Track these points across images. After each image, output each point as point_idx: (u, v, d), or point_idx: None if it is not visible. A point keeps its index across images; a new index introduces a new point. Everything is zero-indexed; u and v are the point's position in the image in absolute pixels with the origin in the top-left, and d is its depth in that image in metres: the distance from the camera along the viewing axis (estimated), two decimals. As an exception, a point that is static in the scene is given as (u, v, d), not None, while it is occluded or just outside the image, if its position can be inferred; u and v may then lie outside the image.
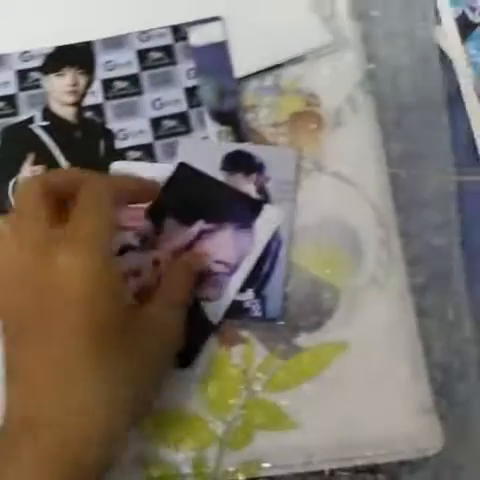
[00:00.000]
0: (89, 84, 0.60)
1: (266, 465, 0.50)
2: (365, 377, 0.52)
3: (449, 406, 0.51)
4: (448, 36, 0.63)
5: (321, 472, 0.50)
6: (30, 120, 0.59)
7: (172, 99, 0.60)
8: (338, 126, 0.59)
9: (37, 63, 0.61)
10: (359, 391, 0.51)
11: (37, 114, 0.59)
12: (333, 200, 0.56)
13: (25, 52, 0.61)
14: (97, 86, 0.60)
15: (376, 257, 0.55)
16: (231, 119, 0.59)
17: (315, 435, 0.51)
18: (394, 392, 0.51)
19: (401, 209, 0.56)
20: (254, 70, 0.60)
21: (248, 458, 0.50)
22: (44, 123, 0.59)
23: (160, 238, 0.55)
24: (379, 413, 0.51)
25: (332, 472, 0.50)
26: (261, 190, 0.56)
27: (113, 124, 0.59)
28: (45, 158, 0.58)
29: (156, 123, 0.59)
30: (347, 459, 0.50)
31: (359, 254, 0.55)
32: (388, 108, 0.60)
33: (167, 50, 0.61)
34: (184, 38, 0.61)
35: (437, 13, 0.64)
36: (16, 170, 0.57)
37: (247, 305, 0.53)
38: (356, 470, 0.50)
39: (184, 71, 0.60)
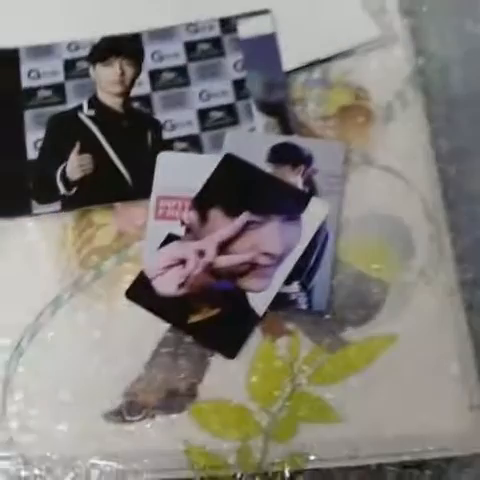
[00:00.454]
0: (137, 75, 0.60)
1: (312, 458, 0.49)
2: (413, 372, 0.51)
3: (498, 404, 0.50)
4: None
5: (367, 467, 0.49)
6: (78, 109, 0.59)
7: (219, 91, 0.59)
8: (387, 120, 0.58)
9: (84, 53, 0.61)
10: (407, 386, 0.51)
11: (85, 103, 0.59)
12: (382, 194, 0.56)
13: (72, 42, 0.61)
14: (144, 77, 0.60)
15: (426, 252, 0.54)
16: (279, 111, 0.59)
17: (361, 429, 0.50)
18: (443, 388, 0.51)
19: (450, 204, 0.55)
20: (303, 63, 0.60)
21: (294, 450, 0.50)
22: (91, 112, 0.59)
23: (205, 229, 0.54)
24: (427, 408, 0.50)
25: (379, 467, 0.49)
26: (308, 182, 0.56)
27: (160, 115, 0.59)
28: (92, 146, 0.58)
29: (203, 114, 0.59)
30: (394, 454, 0.49)
31: (408, 249, 0.54)
32: (437, 103, 0.59)
33: (215, 42, 0.61)
34: (233, 30, 0.61)
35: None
36: (64, 157, 0.57)
37: (293, 297, 0.53)
38: (403, 466, 0.49)
39: (232, 63, 0.60)
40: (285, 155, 0.57)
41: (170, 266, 0.53)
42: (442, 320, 0.52)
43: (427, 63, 0.61)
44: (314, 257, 0.54)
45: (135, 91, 0.60)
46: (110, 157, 0.57)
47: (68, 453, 0.50)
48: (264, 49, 0.61)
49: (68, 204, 0.56)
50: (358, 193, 0.56)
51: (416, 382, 0.51)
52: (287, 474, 0.49)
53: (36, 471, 0.50)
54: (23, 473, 0.50)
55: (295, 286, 0.53)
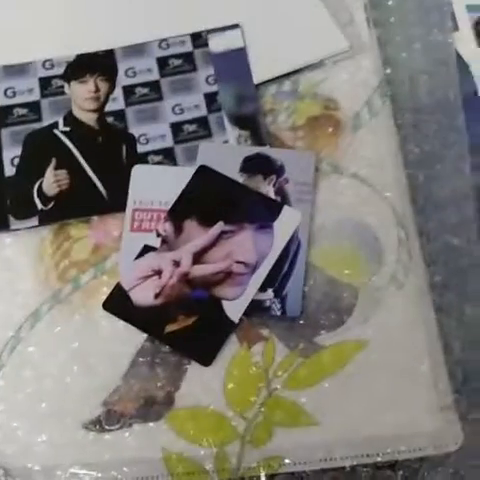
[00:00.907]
0: (111, 90, 0.61)
1: (287, 461, 0.50)
2: (385, 374, 0.52)
3: (469, 403, 0.51)
4: (465, 41, 0.64)
5: (341, 468, 0.50)
6: (53, 126, 0.60)
7: (192, 104, 0.61)
8: (356, 130, 0.60)
9: (59, 71, 0.62)
10: (379, 388, 0.52)
11: (60, 120, 0.60)
12: (352, 201, 0.57)
13: (47, 60, 0.62)
14: (118, 92, 0.61)
15: (395, 257, 0.55)
16: (250, 123, 0.60)
17: (335, 432, 0.51)
18: (414, 389, 0.52)
19: (419, 210, 0.57)
20: (273, 76, 0.61)
21: (269, 454, 0.50)
22: (67, 128, 0.60)
23: (180, 239, 0.55)
24: (399, 410, 0.51)
25: (353, 468, 0.50)
26: (280, 192, 0.57)
27: (134, 129, 0.60)
28: (68, 162, 0.59)
29: (177, 128, 0.60)
30: (368, 455, 0.50)
31: (378, 254, 0.56)
32: (405, 111, 0.60)
33: (187, 57, 0.62)
34: (204, 45, 0.62)
35: (454, 18, 0.64)
36: (40, 174, 0.58)
37: (267, 304, 0.54)
38: (377, 466, 0.50)
39: (204, 77, 0.62)
40: (257, 166, 0.58)
41: (146, 277, 0.54)
42: (413, 323, 0.53)
43: (395, 72, 0.62)
44: (287, 264, 0.55)
45: (109, 106, 0.61)
46: (86, 172, 0.58)
47: (48, 463, 0.51)
48: (235, 63, 0.62)
49: (45, 219, 0.57)
50: (328, 201, 0.57)
51: (388, 384, 0.52)
52: (263, 478, 0.50)
53: (17, 482, 0.51)
54: (4, 485, 0.51)
55: (269, 293, 0.54)
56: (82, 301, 0.55)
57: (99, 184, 0.58)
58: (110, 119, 0.60)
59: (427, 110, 0.60)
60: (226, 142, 0.59)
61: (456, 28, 0.65)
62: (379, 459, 0.50)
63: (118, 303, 0.54)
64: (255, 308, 0.54)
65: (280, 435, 0.51)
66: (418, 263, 0.55)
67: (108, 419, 0.52)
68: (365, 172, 0.58)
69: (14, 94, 0.61)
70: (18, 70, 0.62)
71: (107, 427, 0.52)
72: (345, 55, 0.62)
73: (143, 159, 0.59)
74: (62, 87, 0.61)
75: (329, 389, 0.52)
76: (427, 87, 0.61)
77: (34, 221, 0.57)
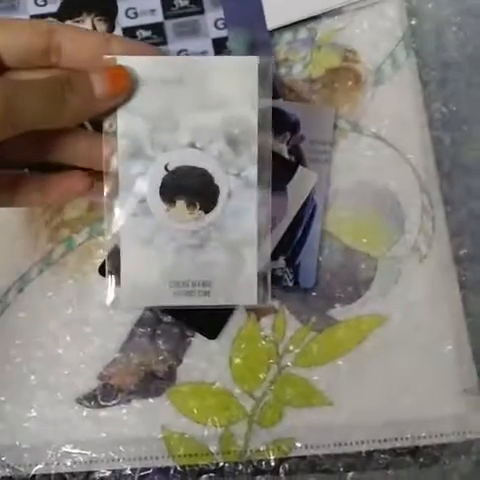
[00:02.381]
0: (109, 32, 0.56)
1: (298, 445, 0.47)
2: (404, 353, 0.49)
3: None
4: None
5: (356, 454, 0.47)
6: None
7: (199, 50, 0.55)
8: (378, 84, 0.55)
9: (53, 8, 0.56)
10: (398, 368, 0.48)
11: (53, 63, 0.55)
12: (372, 163, 0.53)
13: (41, -4, 0.57)
14: (118, 34, 0.56)
15: (418, 225, 0.51)
16: (262, 73, 0.55)
17: (350, 414, 0.48)
18: (436, 370, 0.48)
19: (445, 175, 0.53)
20: (288, 22, 0.56)
21: (279, 436, 0.47)
22: (61, 73, 0.55)
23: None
24: (420, 392, 0.48)
25: (369, 454, 0.47)
26: (294, 151, 0.52)
27: (135, 76, 0.55)
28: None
29: (182, 76, 0.55)
30: (385, 440, 0.47)
31: (400, 222, 0.51)
32: (431, 67, 0.56)
33: (195, 1, 0.57)
34: (213, -15, 0.57)
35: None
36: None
37: (278, 273, 0.50)
38: (395, 452, 0.47)
39: (212, 21, 0.56)
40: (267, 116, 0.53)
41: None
42: (435, 298, 0.50)
43: (420, 24, 0.57)
44: (301, 231, 0.51)
45: (108, 50, 0.55)
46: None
47: (38, 441, 0.47)
48: (247, 6, 0.57)
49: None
50: (346, 163, 0.53)
51: (408, 364, 0.48)
52: (272, 462, 0.47)
53: (4, 460, 0.47)
54: (-10, 462, 0.47)
55: (281, 261, 0.50)
56: (76, 264, 0.51)
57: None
58: (108, 64, 0.55)
59: (455, 66, 0.56)
60: (235, 94, 0.54)
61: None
62: (397, 445, 0.47)
63: (115, 267, 0.50)
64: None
65: (291, 416, 0.48)
66: (442, 233, 0.51)
67: (104, 394, 0.49)
68: (387, 132, 0.53)
69: (2, 32, 0.55)
70: (7, 7, 0.56)
71: (103, 403, 0.48)
72: (367, 2, 0.57)
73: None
74: (56, 26, 0.56)
75: (344, 367, 0.49)
76: (455, 40, 0.56)
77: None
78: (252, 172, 0.44)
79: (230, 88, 0.43)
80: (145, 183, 0.43)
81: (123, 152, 0.43)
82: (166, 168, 0.44)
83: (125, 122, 0.43)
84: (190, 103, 0.43)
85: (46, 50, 0.42)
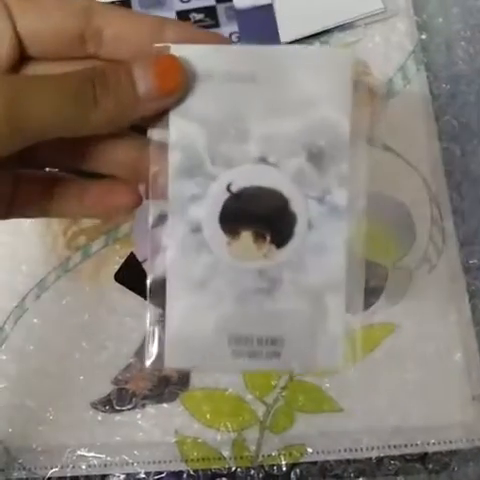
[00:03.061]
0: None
1: (310, 450, 0.47)
2: (415, 361, 0.49)
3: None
4: (506, 5, 0.60)
5: (367, 459, 0.47)
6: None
7: (214, 63, 0.56)
8: (389, 97, 0.56)
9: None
10: (408, 376, 0.49)
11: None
12: (382, 175, 0.53)
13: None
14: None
15: (428, 236, 0.52)
16: (275, 86, 0.56)
17: (361, 420, 0.48)
18: (445, 378, 0.49)
19: (454, 186, 0.53)
20: (301, 36, 0.57)
21: (290, 442, 0.48)
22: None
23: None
24: (430, 399, 0.48)
25: (379, 460, 0.47)
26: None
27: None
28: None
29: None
30: (395, 447, 0.47)
31: (410, 232, 0.52)
32: (441, 80, 0.56)
33: (209, 11, 0.58)
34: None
35: (494, -20, 0.60)
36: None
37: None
38: (405, 459, 0.47)
39: (227, 34, 0.57)
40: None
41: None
42: (445, 307, 0.50)
43: (430, 38, 0.58)
44: (312, 240, 0.51)
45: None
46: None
47: (53, 444, 0.48)
48: (261, 20, 0.58)
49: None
50: (357, 173, 0.53)
51: (418, 372, 0.49)
52: (283, 467, 0.47)
53: (20, 463, 0.47)
54: (6, 465, 0.47)
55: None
56: (92, 271, 0.51)
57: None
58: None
59: (465, 79, 0.56)
60: (249, 106, 0.55)
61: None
62: (407, 451, 0.47)
63: (131, 275, 0.51)
64: (278, 285, 0.50)
65: (302, 422, 0.48)
66: (452, 244, 0.52)
67: (119, 399, 0.49)
68: (397, 144, 0.54)
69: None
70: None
71: (117, 407, 0.49)
72: (378, 17, 0.58)
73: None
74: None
75: (355, 374, 0.49)
76: (465, 54, 0.57)
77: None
78: (340, 196, 0.34)
79: (316, 88, 0.33)
80: (202, 208, 0.33)
81: (175, 168, 0.33)
82: (229, 189, 0.33)
83: (178, 130, 0.33)
84: (263, 106, 0.33)
85: (82, 36, 0.32)
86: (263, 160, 0.33)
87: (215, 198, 0.33)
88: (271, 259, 0.33)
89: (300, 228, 0.33)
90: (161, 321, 0.33)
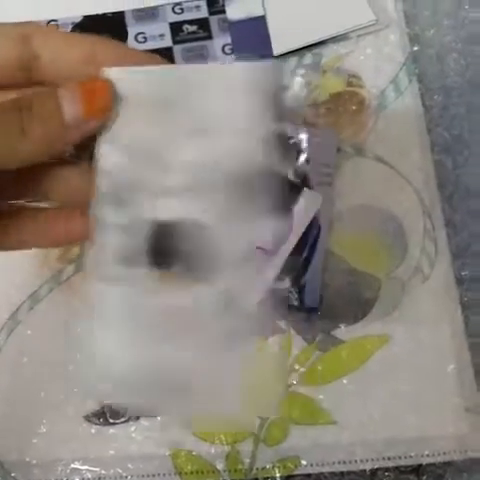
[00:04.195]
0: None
1: (304, 462, 0.47)
2: (408, 373, 0.49)
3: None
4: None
5: (361, 471, 0.47)
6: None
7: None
8: (381, 109, 0.56)
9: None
10: (402, 387, 0.49)
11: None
12: (375, 186, 0.54)
13: (52, 20, 0.58)
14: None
15: (420, 247, 0.52)
16: (268, 98, 0.56)
17: (355, 432, 0.48)
18: (438, 389, 0.49)
19: (447, 198, 0.54)
20: (293, 47, 0.57)
21: (285, 454, 0.48)
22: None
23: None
24: (423, 411, 0.48)
25: (373, 472, 0.47)
26: (299, 173, 0.53)
27: (144, 99, 0.56)
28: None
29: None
30: (389, 458, 0.47)
31: (402, 244, 0.52)
32: (433, 91, 0.57)
33: (202, 23, 0.58)
34: (220, 11, 0.58)
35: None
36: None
37: (284, 294, 0.51)
38: (399, 470, 0.47)
39: (220, 46, 0.58)
40: (275, 143, 0.54)
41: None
42: (438, 319, 0.50)
43: (422, 50, 0.58)
44: (306, 252, 0.52)
45: (117, 74, 0.56)
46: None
47: (47, 458, 0.48)
48: (253, 32, 0.58)
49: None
50: (350, 185, 0.54)
51: (411, 383, 0.49)
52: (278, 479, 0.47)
53: (14, 476, 0.47)
54: (0, 479, 0.47)
55: (286, 282, 0.51)
56: (85, 283, 0.51)
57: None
58: (118, 87, 0.56)
59: (456, 91, 0.57)
60: (242, 117, 0.55)
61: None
62: (401, 463, 0.47)
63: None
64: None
65: (296, 434, 0.48)
66: (444, 255, 0.52)
67: (113, 411, 0.49)
68: (389, 155, 0.55)
69: (15, 56, 0.56)
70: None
71: (111, 420, 0.49)
72: (370, 29, 0.58)
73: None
74: (67, 50, 0.57)
75: (348, 386, 0.49)
76: (456, 66, 0.58)
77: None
78: (267, 225, 0.32)
79: (234, 109, 0.31)
80: (125, 238, 0.31)
81: (101, 194, 0.31)
82: (154, 220, 0.31)
83: (105, 156, 0.31)
84: (186, 131, 0.31)
85: (21, 62, 0.31)
86: (187, 189, 0.31)
87: (139, 229, 0.31)
88: (193, 292, 0.31)
89: (226, 260, 0.31)
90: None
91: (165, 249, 0.31)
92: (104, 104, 0.30)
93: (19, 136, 0.29)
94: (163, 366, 0.31)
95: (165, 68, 0.32)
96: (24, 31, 0.31)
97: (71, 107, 0.29)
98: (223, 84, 0.31)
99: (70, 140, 0.31)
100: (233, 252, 0.31)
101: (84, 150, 0.32)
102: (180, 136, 0.31)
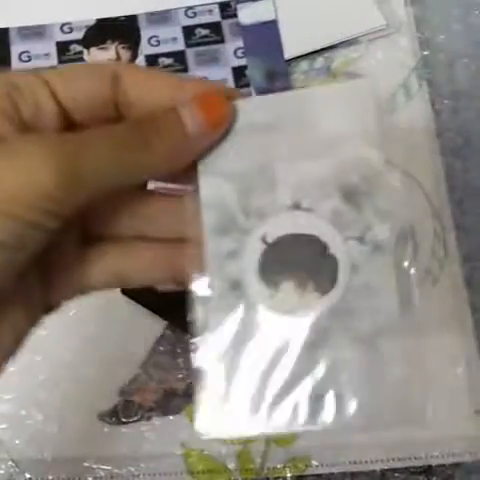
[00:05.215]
0: (133, 59, 0.58)
1: (314, 463, 0.48)
2: (418, 375, 0.50)
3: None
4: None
5: (371, 472, 0.48)
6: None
7: (219, 78, 0.57)
8: (391, 113, 0.56)
9: (78, 35, 0.58)
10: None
11: (78, 88, 0.56)
12: (385, 189, 0.54)
13: (66, 23, 0.58)
14: (141, 61, 0.58)
15: (430, 250, 0.52)
16: (280, 101, 0.56)
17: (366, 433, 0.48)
18: (448, 392, 0.49)
19: (456, 201, 0.54)
20: (304, 51, 0.58)
21: (295, 455, 0.48)
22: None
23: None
24: (432, 413, 0.49)
25: (383, 473, 0.48)
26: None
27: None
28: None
29: (202, 102, 0.56)
30: (399, 459, 0.48)
31: (412, 246, 0.53)
32: (443, 96, 0.57)
33: (215, 27, 0.59)
34: (233, 15, 0.59)
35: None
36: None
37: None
38: (409, 471, 0.48)
39: (232, 50, 0.58)
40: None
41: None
42: (447, 321, 0.51)
43: (432, 55, 0.59)
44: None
45: (130, 77, 0.57)
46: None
47: (60, 456, 0.48)
48: (265, 36, 0.58)
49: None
50: (361, 188, 0.54)
51: (420, 385, 0.49)
52: None
53: (27, 475, 0.48)
54: (13, 477, 0.48)
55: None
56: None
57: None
58: (131, 90, 0.56)
59: (466, 95, 0.57)
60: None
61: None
62: (411, 464, 0.48)
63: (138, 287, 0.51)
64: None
65: (307, 435, 0.49)
66: (454, 257, 0.53)
67: (125, 410, 0.49)
68: (399, 159, 0.55)
69: (29, 58, 0.57)
70: (34, 33, 0.58)
71: (124, 419, 0.49)
72: (381, 33, 0.59)
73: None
74: (81, 53, 0.58)
75: (358, 388, 0.49)
76: (466, 71, 0.58)
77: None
78: (382, 232, 0.32)
79: (340, 125, 0.32)
80: (239, 263, 0.31)
81: (209, 227, 0.31)
82: (264, 240, 0.31)
83: (208, 188, 0.31)
84: (289, 151, 0.31)
85: (113, 98, 0.32)
86: (296, 206, 0.31)
87: (252, 251, 0.31)
88: (316, 308, 0.30)
89: (343, 272, 0.31)
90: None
91: (277, 267, 0.31)
92: (223, 113, 0.31)
93: (143, 149, 0.30)
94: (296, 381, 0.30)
95: (255, 98, 0.35)
96: (116, 70, 0.32)
97: (191, 118, 0.30)
98: (321, 104, 0.32)
99: (193, 151, 0.31)
100: (347, 264, 0.31)
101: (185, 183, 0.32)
102: (286, 157, 0.31)
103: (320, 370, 0.30)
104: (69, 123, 0.32)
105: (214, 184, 0.32)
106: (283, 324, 0.30)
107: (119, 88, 0.32)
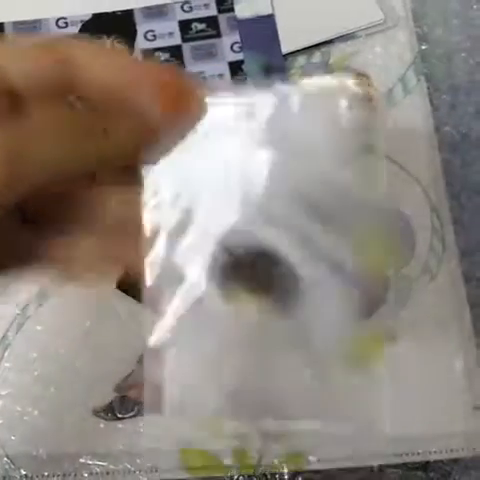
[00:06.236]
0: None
1: (312, 458, 0.47)
2: (416, 371, 0.49)
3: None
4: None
5: (368, 468, 0.48)
6: (66, 89, 0.56)
7: (216, 73, 0.57)
8: (389, 108, 0.56)
9: (74, 30, 0.58)
10: (410, 385, 0.49)
11: (74, 83, 0.56)
12: (383, 184, 0.54)
13: (61, 18, 0.58)
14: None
15: (428, 245, 0.52)
16: (277, 96, 0.56)
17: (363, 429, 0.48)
18: (447, 387, 0.49)
19: (454, 197, 0.54)
20: (302, 46, 0.58)
21: (293, 450, 0.48)
22: (81, 93, 0.56)
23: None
24: (431, 408, 0.49)
25: (381, 468, 0.47)
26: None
27: (153, 97, 0.56)
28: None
29: (198, 97, 0.56)
30: (397, 455, 0.47)
31: (410, 242, 0.53)
32: (441, 91, 0.57)
33: (211, 21, 0.58)
34: (229, 10, 0.58)
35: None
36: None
37: (292, 290, 0.51)
38: (407, 467, 0.47)
39: (229, 44, 0.58)
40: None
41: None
42: (446, 317, 0.51)
43: (430, 50, 0.59)
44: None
45: (127, 71, 0.57)
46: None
47: (56, 452, 0.48)
48: (262, 31, 0.58)
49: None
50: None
51: (419, 381, 0.49)
52: (286, 475, 0.47)
53: (22, 471, 0.47)
54: (8, 473, 0.47)
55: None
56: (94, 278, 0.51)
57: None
58: (127, 85, 0.56)
59: (464, 90, 0.57)
60: (251, 115, 0.56)
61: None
62: (409, 459, 0.47)
63: (134, 283, 0.51)
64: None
65: (304, 430, 0.48)
66: (452, 253, 0.52)
67: (121, 406, 0.49)
68: (397, 154, 0.55)
69: (25, 53, 0.57)
70: (29, 27, 0.58)
71: (120, 415, 0.49)
72: (379, 28, 0.59)
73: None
74: (76, 48, 0.57)
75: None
76: (465, 65, 0.58)
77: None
78: (347, 253, 0.32)
79: (310, 137, 0.30)
80: (196, 269, 0.30)
81: (166, 223, 0.30)
82: (225, 248, 0.30)
83: (171, 188, 0.30)
84: (258, 153, 0.29)
85: (65, 80, 0.28)
86: (263, 220, 0.30)
87: (211, 257, 0.30)
88: (276, 322, 0.30)
89: (303, 290, 0.30)
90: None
91: (238, 279, 0.30)
92: (189, 103, 0.28)
93: (100, 135, 0.27)
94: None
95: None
96: (67, 50, 0.28)
97: (151, 104, 0.27)
98: (293, 103, 0.30)
99: (156, 139, 0.28)
100: (310, 281, 0.30)
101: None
102: (252, 158, 0.29)
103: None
104: (18, 103, 0.28)
105: (178, 184, 0.30)
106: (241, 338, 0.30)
107: (71, 69, 0.27)
